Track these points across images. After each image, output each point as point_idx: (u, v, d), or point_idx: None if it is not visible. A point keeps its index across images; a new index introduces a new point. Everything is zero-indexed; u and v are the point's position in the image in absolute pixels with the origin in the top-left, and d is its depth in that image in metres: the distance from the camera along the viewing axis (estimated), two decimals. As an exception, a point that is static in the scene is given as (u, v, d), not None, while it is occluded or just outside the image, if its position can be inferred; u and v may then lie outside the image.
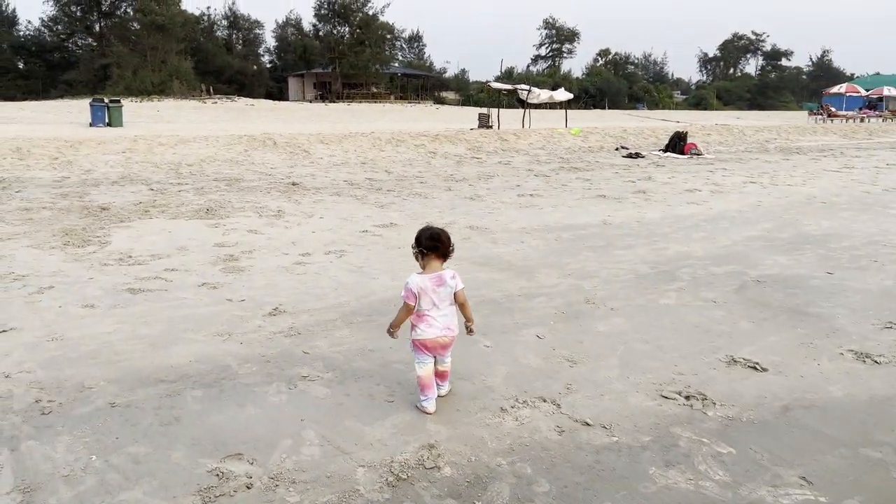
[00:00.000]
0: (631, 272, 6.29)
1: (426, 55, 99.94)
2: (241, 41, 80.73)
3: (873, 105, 46.68)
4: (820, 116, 40.20)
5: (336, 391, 3.76)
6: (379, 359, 4.22)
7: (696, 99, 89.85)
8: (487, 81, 32.21)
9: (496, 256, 6.80)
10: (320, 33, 69.72)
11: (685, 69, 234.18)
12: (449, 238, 3.62)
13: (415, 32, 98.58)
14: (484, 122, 28.32)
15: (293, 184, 11.77)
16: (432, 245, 3.54)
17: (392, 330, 3.66)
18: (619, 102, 79.10)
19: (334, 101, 60.80)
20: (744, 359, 4.29)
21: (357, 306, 5.21)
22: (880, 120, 39.76)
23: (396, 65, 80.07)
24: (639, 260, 6.74)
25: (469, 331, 3.73)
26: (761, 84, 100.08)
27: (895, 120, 40.06)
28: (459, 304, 3.65)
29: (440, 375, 3.72)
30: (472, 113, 41.44)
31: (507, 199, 10.52)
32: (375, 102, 62.32)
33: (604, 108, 71.87)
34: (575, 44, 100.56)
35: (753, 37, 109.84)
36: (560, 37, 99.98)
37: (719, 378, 4.02)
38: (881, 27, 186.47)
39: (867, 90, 49.07)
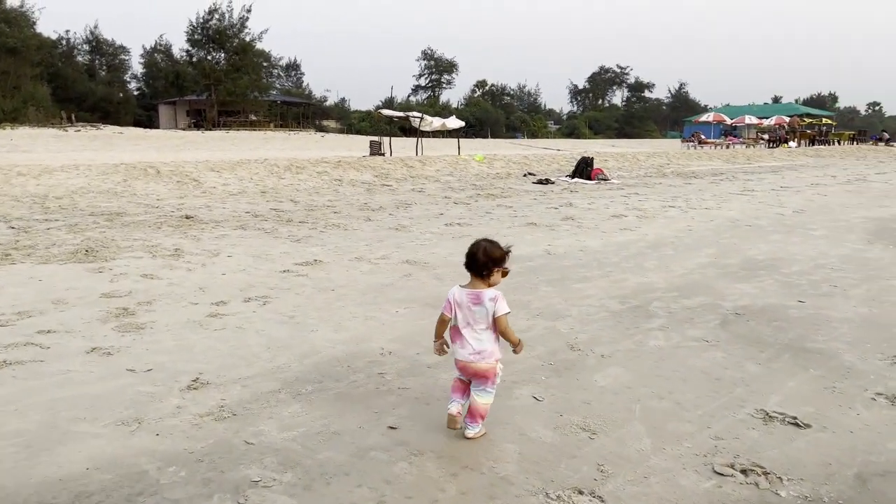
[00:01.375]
0: (602, 309, 5.62)
1: (305, 83, 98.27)
2: (105, 67, 75.88)
3: (729, 132, 50.25)
4: (692, 143, 42.61)
5: (305, 502, 2.73)
6: (350, 446, 3.21)
7: (570, 128, 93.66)
8: (376, 108, 31.43)
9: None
10: (193, 59, 66.48)
11: (557, 100, 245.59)
12: (487, 252, 3.24)
13: (292, 61, 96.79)
14: (376, 150, 27.56)
15: (187, 217, 10.30)
16: (467, 262, 3.31)
17: (435, 340, 3.42)
18: (498, 132, 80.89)
19: (210, 129, 57.85)
20: (777, 413, 3.67)
21: (300, 370, 4.15)
22: (744, 146, 42.66)
23: (275, 92, 77.89)
24: (603, 294, 6.08)
25: (515, 351, 3.40)
26: (627, 114, 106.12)
27: (756, 146, 43.12)
28: (500, 331, 3.29)
29: (469, 412, 3.30)
30: (359, 141, 40.58)
31: (434, 228, 9.66)
32: (255, 130, 59.94)
33: (485, 136, 73.09)
34: (453, 74, 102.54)
35: (618, 70, 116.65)
36: (439, 68, 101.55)
37: (764, 441, 3.36)
38: (730, 64, 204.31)
39: (731, 118, 52.84)
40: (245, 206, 11.92)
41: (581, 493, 2.87)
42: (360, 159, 19.91)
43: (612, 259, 7.62)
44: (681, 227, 10.01)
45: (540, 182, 17.24)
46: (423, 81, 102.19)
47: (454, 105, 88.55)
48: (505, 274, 3.33)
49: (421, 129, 29.05)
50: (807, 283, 6.54)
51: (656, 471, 3.06)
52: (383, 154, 26.86)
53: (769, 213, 11.59)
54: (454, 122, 30.56)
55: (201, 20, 64.44)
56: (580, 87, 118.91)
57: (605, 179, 17.78)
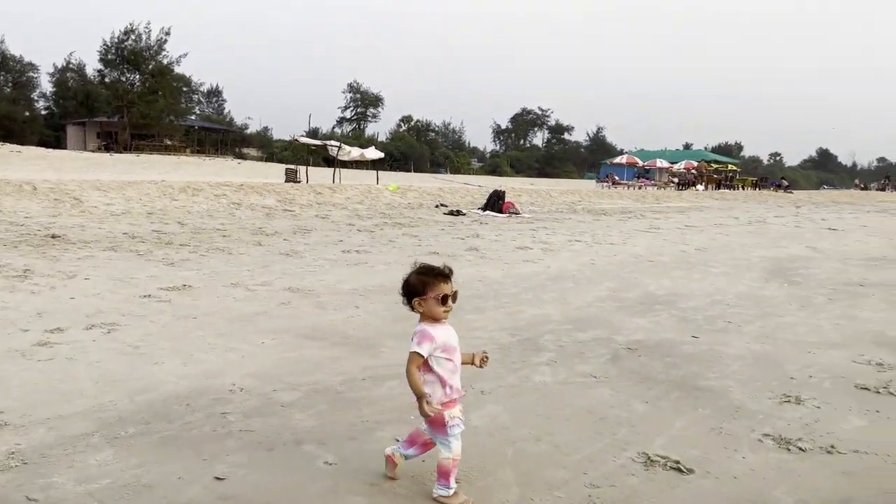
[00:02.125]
0: (491, 341, 5.25)
1: (226, 110, 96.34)
2: (10, 84, 71.87)
3: (642, 175, 52.18)
4: (606, 184, 43.83)
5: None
6: (160, 501, 2.67)
7: (492, 166, 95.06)
8: (295, 136, 30.70)
9: (327, 326, 5.40)
10: (106, 80, 63.89)
11: (481, 138, 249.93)
12: (403, 282, 2.83)
13: (214, 87, 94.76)
14: (291, 177, 26.83)
15: (53, 236, 9.38)
16: None
17: None
18: (422, 166, 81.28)
19: (121, 152, 55.39)
20: (660, 456, 3.36)
21: (128, 409, 3.56)
22: (655, 188, 44.16)
23: (193, 117, 75.77)
24: (495, 326, 5.73)
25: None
26: (548, 155, 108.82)
27: (667, 188, 44.74)
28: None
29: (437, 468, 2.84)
30: (277, 169, 39.55)
31: (330, 255, 9.12)
32: (169, 155, 57.82)
33: (409, 170, 73.21)
34: (379, 108, 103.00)
35: (540, 112, 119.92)
36: (364, 101, 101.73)
37: (643, 489, 3.03)
38: (645, 111, 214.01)
39: (644, 161, 54.88)
40: (125, 226, 11.04)
41: (430, 557, 2.43)
42: (265, 184, 19.18)
43: (511, 290, 7.31)
44: (584, 260, 9.87)
45: (451, 213, 17.03)
46: (348, 114, 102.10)
47: (380, 139, 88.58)
48: (442, 300, 2.77)
49: (339, 158, 28.56)
50: (702, 319, 6.40)
51: (520, 526, 2.67)
52: (299, 181, 26.19)
53: (672, 250, 11.65)
54: (373, 153, 30.26)
55: (116, 40, 62.22)
56: (503, 126, 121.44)
57: (516, 213, 17.74)
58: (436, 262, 6.55)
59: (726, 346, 5.45)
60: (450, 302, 2.80)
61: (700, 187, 44.45)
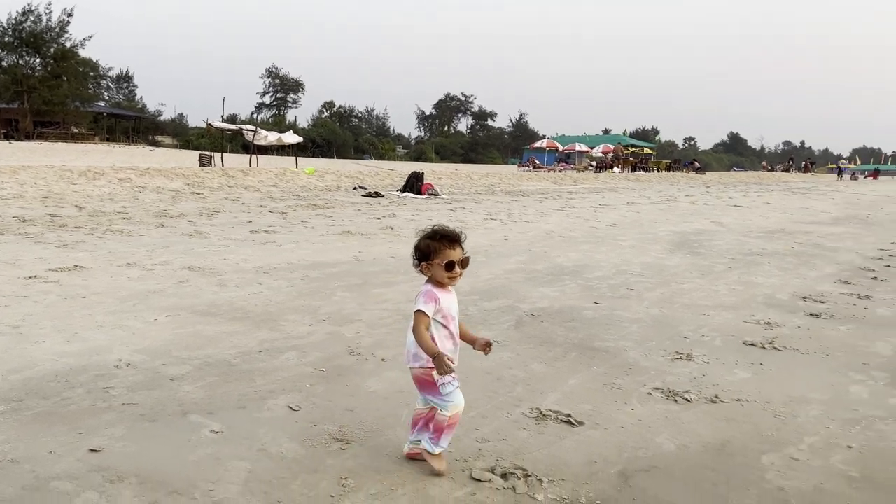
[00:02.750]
0: (397, 313, 5.25)
1: (138, 97, 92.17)
2: None
3: (562, 159, 53.28)
4: (528, 168, 44.48)
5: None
6: (26, 476, 2.54)
7: (417, 153, 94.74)
8: (208, 120, 29.64)
9: (226, 302, 5.25)
10: (3, 63, 60.02)
11: (405, 125, 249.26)
12: (418, 246, 2.73)
13: (124, 72, 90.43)
14: (205, 163, 26.02)
15: (-68, 222, 8.79)
16: None
17: None
18: (346, 153, 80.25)
19: (22, 140, 52.24)
20: (552, 411, 3.44)
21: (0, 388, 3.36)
22: (575, 171, 45.10)
23: (102, 104, 72.21)
24: (402, 298, 5.72)
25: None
26: (472, 141, 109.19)
27: (586, 171, 45.79)
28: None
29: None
30: (192, 156, 38.23)
31: (236, 235, 8.87)
32: (76, 143, 54.91)
33: (332, 157, 72.18)
34: (300, 94, 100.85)
35: (463, 98, 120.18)
36: (284, 86, 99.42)
37: (533, 441, 3.09)
38: (564, 96, 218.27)
39: (563, 146, 55.94)
40: (15, 210, 10.41)
41: (310, 511, 2.40)
42: (174, 168, 18.47)
43: (421, 265, 7.31)
44: (497, 237, 9.98)
45: (369, 195, 16.87)
46: (267, 99, 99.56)
47: (302, 125, 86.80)
48: (447, 266, 2.68)
49: (255, 142, 27.83)
50: (606, 287, 6.58)
51: (407, 481, 2.68)
52: (213, 166, 25.43)
53: (584, 227, 11.93)
54: (291, 138, 29.64)
55: (13, 21, 58.49)
56: (427, 112, 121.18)
57: (435, 194, 17.76)
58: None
59: (626, 311, 5.62)
60: (456, 268, 2.72)
61: (616, 170, 45.69)
